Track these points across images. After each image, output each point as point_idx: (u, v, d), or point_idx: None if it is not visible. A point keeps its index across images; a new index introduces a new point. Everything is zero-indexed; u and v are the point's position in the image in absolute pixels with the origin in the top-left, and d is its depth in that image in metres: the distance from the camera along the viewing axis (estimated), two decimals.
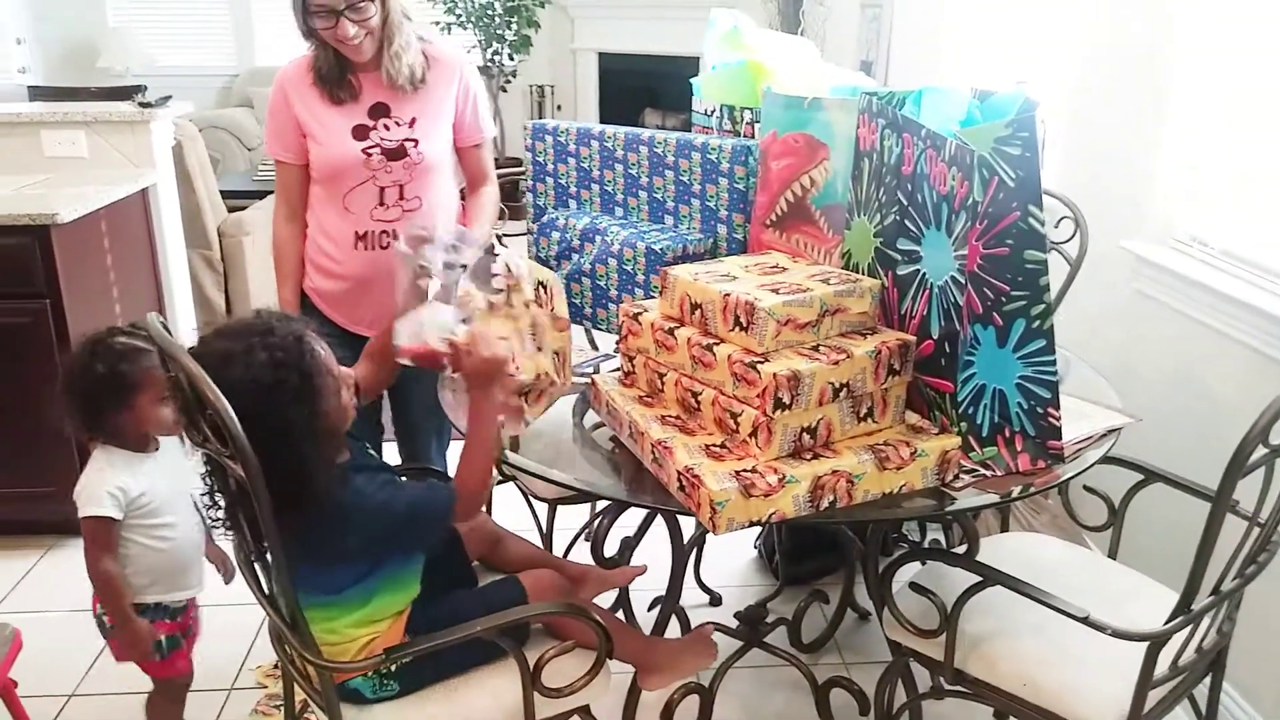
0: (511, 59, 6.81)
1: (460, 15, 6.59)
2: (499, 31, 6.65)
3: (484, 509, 1.98)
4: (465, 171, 2.32)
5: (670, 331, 1.52)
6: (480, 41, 6.67)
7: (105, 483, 1.75)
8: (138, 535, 1.79)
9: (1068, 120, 2.66)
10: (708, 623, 1.89)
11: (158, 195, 3.11)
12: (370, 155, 2.10)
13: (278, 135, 2.16)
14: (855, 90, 1.86)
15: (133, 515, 1.77)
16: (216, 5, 7.05)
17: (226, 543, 1.65)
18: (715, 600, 2.54)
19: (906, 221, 1.48)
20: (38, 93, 4.24)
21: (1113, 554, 1.87)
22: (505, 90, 6.90)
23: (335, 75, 2.10)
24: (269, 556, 1.37)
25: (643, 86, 6.86)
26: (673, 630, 2.18)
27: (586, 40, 7.01)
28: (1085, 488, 1.86)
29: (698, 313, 1.49)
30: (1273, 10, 2.01)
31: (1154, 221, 2.32)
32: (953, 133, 1.35)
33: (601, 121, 6.98)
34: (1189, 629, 1.41)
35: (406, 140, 2.12)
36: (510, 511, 2.31)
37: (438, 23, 6.62)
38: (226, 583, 1.99)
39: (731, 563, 2.69)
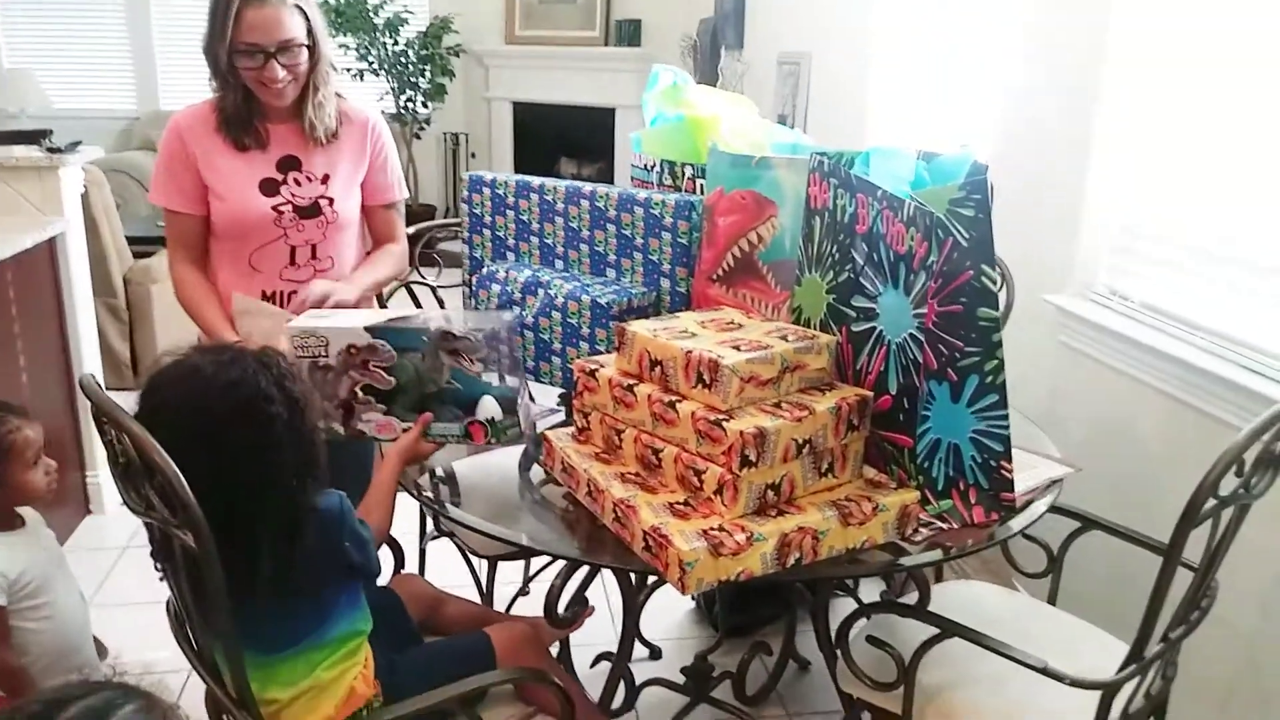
0: (425, 106, 6.79)
1: (373, 62, 6.56)
2: (413, 79, 6.63)
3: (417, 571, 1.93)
4: (372, 232, 2.24)
5: (629, 388, 1.51)
6: (394, 88, 6.64)
7: None
8: (25, 621, 1.69)
9: (995, 176, 2.75)
10: None
11: (66, 244, 2.97)
12: (282, 212, 2.02)
13: (173, 183, 2.02)
14: (796, 147, 1.90)
15: (16, 599, 1.68)
16: (117, 46, 6.86)
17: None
18: (655, 654, 2.51)
19: (861, 279, 1.50)
20: None
21: (1052, 600, 1.91)
22: (419, 138, 6.87)
23: (244, 119, 2.00)
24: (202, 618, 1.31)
25: (557, 135, 6.90)
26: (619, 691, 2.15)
27: (501, 89, 7.03)
28: (1024, 535, 1.90)
29: (658, 369, 1.49)
30: (1196, 66, 2.12)
31: (1077, 276, 2.41)
32: (908, 194, 1.38)
33: (516, 169, 7.00)
34: (1138, 676, 1.45)
35: (321, 198, 2.06)
36: (448, 568, 2.25)
37: (349, 69, 6.56)
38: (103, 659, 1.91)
39: (669, 615, 2.67)
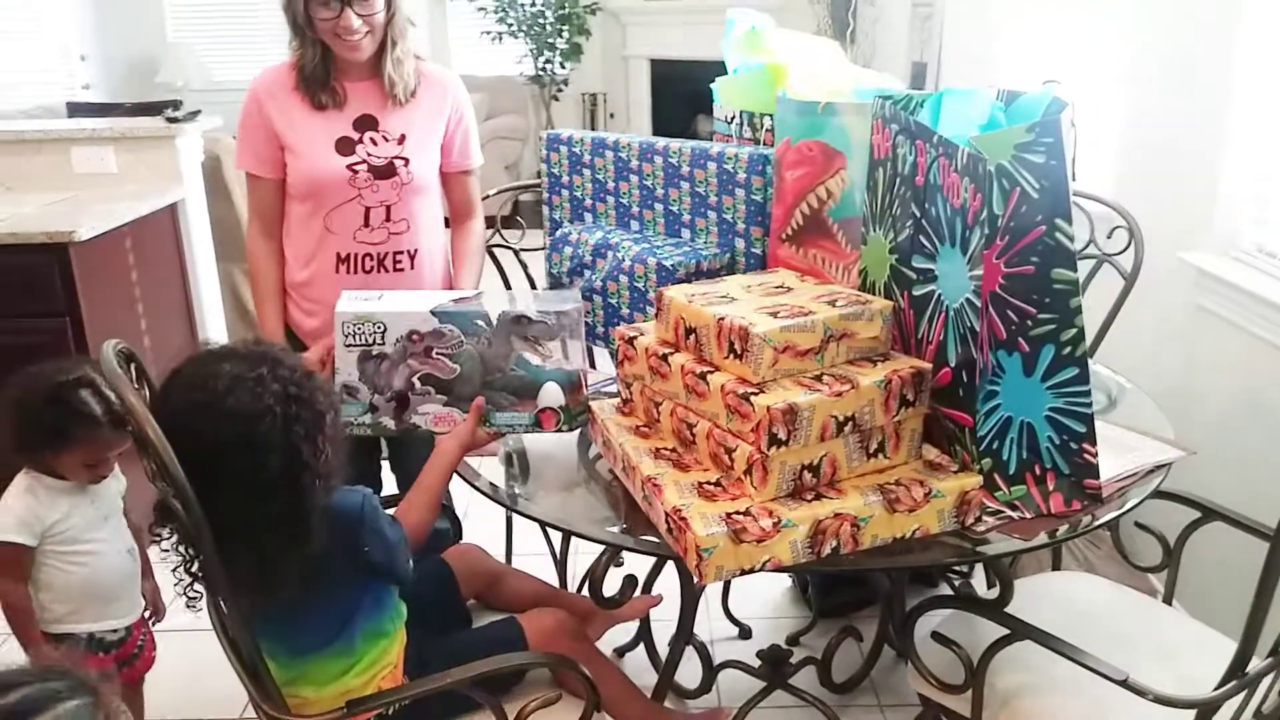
0: (563, 67, 6.76)
1: (511, 25, 6.56)
2: (550, 40, 6.60)
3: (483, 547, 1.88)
4: (450, 200, 2.19)
5: (664, 358, 1.40)
6: (532, 50, 6.64)
7: (19, 509, 1.71)
8: (55, 561, 1.74)
9: (1123, 121, 2.48)
10: (723, 708, 1.75)
11: (186, 210, 3.08)
12: (357, 172, 1.99)
13: (250, 147, 2.02)
14: (880, 93, 1.73)
15: (49, 542, 1.73)
16: (272, 17, 7.09)
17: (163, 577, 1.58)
18: (745, 633, 2.40)
19: (921, 237, 1.34)
20: (75, 109, 4.28)
21: (1168, 598, 1.70)
22: (557, 99, 6.85)
23: (321, 76, 1.97)
24: (226, 604, 1.29)
25: (695, 92, 6.70)
26: (694, 668, 2.06)
27: (638, 47, 6.92)
28: (1137, 524, 1.70)
29: (692, 338, 1.37)
30: None
31: (1217, 231, 2.13)
32: (967, 139, 1.21)
33: (655, 128, 6.90)
34: (1245, 692, 1.25)
35: (396, 158, 2.01)
36: (529, 536, 2.21)
37: (489, 32, 6.60)
38: (155, 623, 1.95)
39: (764, 593, 2.55)
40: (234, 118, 2.01)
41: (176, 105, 3.26)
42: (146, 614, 1.92)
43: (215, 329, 3.31)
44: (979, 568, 2.21)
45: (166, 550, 1.29)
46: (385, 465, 2.23)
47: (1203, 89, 2.15)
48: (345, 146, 1.99)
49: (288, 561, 1.24)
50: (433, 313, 1.49)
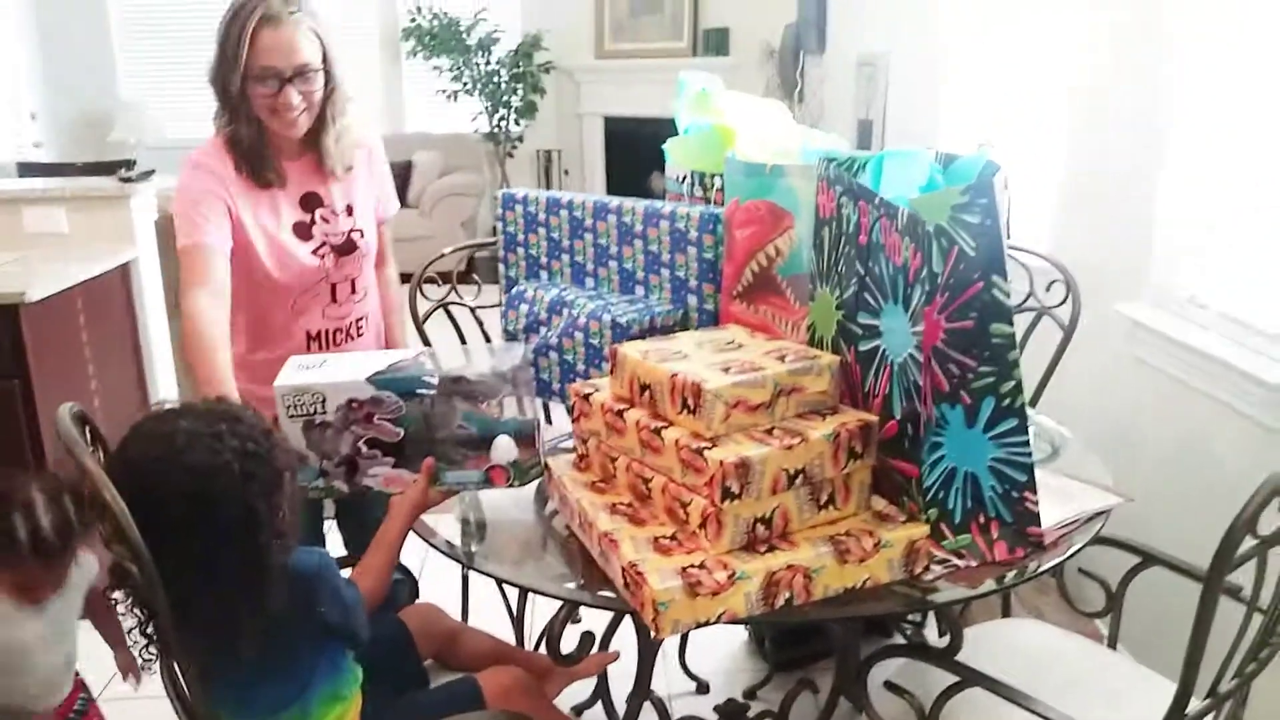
0: (518, 124, 6.84)
1: (467, 83, 6.64)
2: (505, 98, 6.68)
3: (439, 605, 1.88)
4: None
5: (620, 414, 1.43)
6: (487, 108, 6.71)
7: None
8: None
9: (1061, 177, 2.58)
10: None
11: (139, 270, 3.07)
12: (323, 257, 1.97)
13: (214, 222, 1.82)
14: (824, 154, 1.78)
15: None
16: None
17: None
18: (702, 688, 2.41)
19: (865, 294, 1.39)
20: (26, 169, 4.27)
21: (1112, 643, 1.74)
22: (512, 156, 6.92)
23: (260, 152, 1.88)
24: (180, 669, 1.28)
25: (650, 149, 6.83)
26: None
27: (592, 105, 7.03)
28: (1081, 570, 1.74)
29: (647, 393, 1.40)
30: (1273, 63, 1.93)
31: (1151, 284, 2.21)
32: (907, 200, 1.26)
33: (609, 184, 6.99)
34: None
35: (352, 231, 2.00)
36: (486, 596, 2.20)
37: (444, 90, 6.67)
38: (136, 687, 1.79)
39: (720, 648, 2.56)
40: None
41: (130, 165, 3.27)
42: (125, 680, 1.80)
43: (166, 387, 3.28)
44: (931, 616, 2.24)
45: (122, 613, 1.28)
46: (331, 524, 2.21)
47: (1136, 147, 2.25)
48: (302, 232, 1.96)
49: (246, 622, 1.23)
50: (369, 381, 1.47)
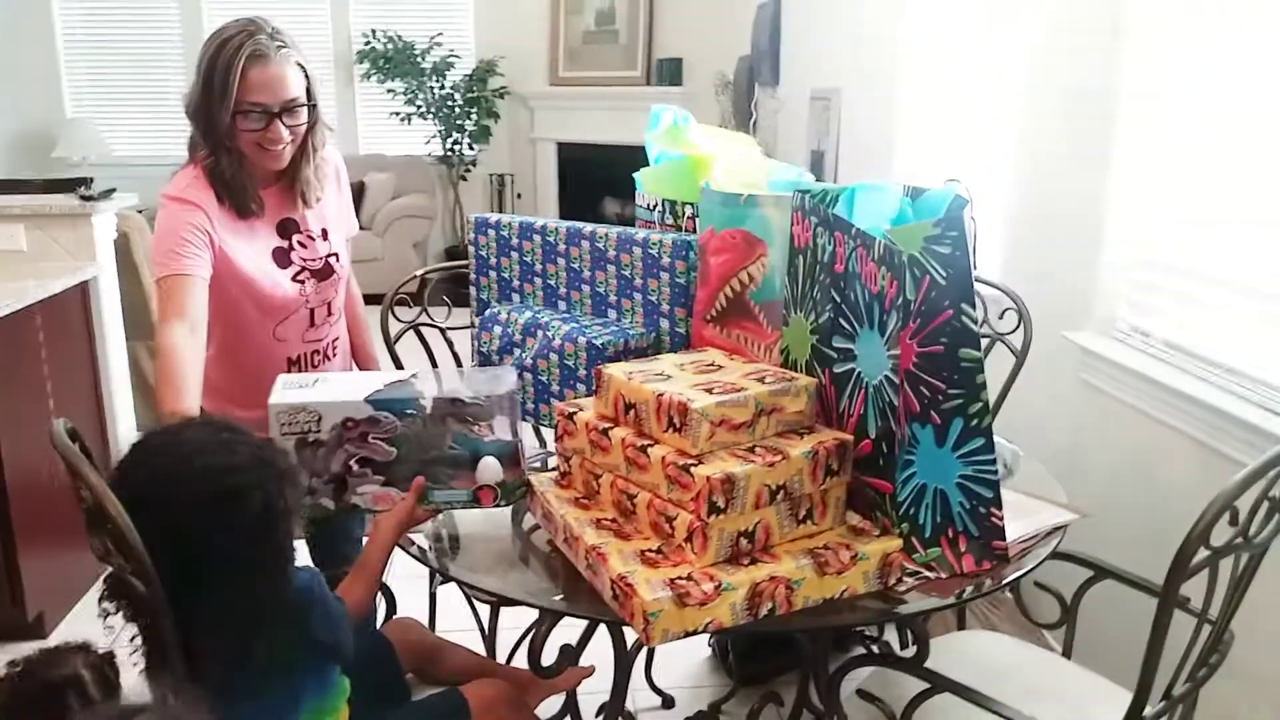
0: (471, 148, 6.89)
1: (421, 106, 6.67)
2: (459, 122, 6.72)
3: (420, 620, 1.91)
4: None
5: (605, 432, 1.48)
6: (440, 131, 6.74)
7: None
8: None
9: (1011, 208, 2.69)
10: None
11: (99, 289, 3.05)
12: (303, 283, 1.99)
13: (190, 252, 1.80)
14: (796, 185, 1.86)
15: None
16: (175, 95, 7.06)
17: None
18: (668, 703, 2.45)
19: (841, 320, 1.46)
20: None
21: (1067, 653, 1.83)
22: (465, 179, 6.96)
23: (243, 184, 1.88)
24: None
25: (602, 174, 6.93)
26: None
27: (545, 130, 7.10)
28: (1036, 584, 1.82)
29: (632, 413, 1.46)
30: (1214, 94, 2.05)
31: (1097, 313, 2.33)
32: (882, 232, 1.34)
33: (561, 209, 7.05)
34: None
35: (329, 256, 2.03)
36: (452, 612, 2.23)
37: (398, 113, 6.69)
38: None
39: (685, 662, 2.61)
40: (142, 194, 1.91)
41: (88, 183, 3.24)
42: None
43: (123, 407, 3.25)
44: (890, 627, 2.31)
45: (111, 624, 1.29)
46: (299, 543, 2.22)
47: (1082, 179, 2.36)
48: (281, 257, 1.97)
49: (266, 626, 1.25)
50: (367, 400, 1.50)
